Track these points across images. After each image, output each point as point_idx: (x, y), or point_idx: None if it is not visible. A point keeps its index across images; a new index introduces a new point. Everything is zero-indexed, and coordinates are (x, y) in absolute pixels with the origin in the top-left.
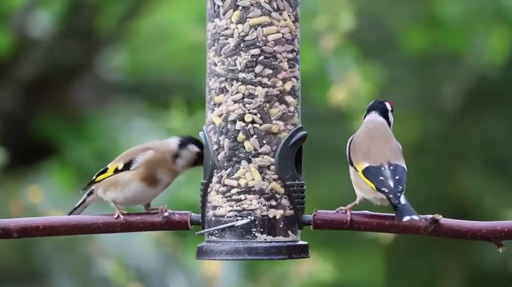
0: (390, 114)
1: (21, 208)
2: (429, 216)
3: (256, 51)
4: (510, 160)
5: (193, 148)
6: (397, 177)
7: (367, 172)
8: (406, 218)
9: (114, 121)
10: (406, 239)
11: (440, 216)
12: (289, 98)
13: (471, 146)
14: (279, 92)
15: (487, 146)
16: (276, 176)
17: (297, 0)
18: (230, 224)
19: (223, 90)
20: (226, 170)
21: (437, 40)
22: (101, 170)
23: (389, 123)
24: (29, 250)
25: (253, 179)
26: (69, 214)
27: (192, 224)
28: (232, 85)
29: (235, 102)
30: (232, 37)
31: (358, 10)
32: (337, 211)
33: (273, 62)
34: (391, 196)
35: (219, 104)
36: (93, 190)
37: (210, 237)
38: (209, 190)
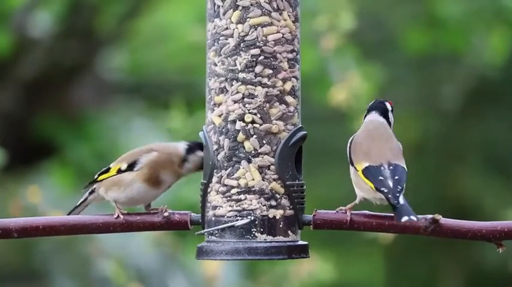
0: (390, 114)
1: (20, 208)
2: (429, 216)
3: (256, 51)
4: (510, 160)
5: (201, 153)
6: (396, 177)
7: (366, 172)
8: (404, 219)
9: (114, 121)
10: (406, 239)
11: (440, 216)
12: (289, 98)
13: (471, 146)
14: (279, 92)
15: (487, 146)
16: (276, 176)
17: (297, 0)
18: (230, 224)
19: (223, 90)
20: (226, 170)
21: (437, 40)
22: (103, 169)
23: (389, 123)
24: (29, 250)
25: (253, 179)
26: (70, 212)
27: (192, 224)
28: (232, 85)
29: (235, 102)
30: (232, 37)
31: (358, 10)
32: (337, 211)
33: (273, 62)
34: (390, 196)
35: (219, 104)
36: (94, 188)
37: (210, 237)
38: (209, 190)
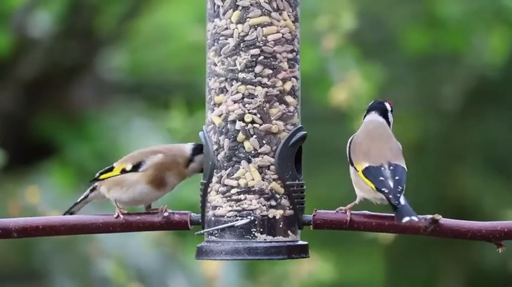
0: (390, 115)
1: (20, 208)
2: (429, 216)
3: (256, 51)
4: (510, 160)
5: None
6: (396, 177)
7: (367, 172)
8: (405, 219)
9: (114, 121)
10: (406, 239)
11: (440, 216)
12: (289, 98)
13: (471, 146)
14: (278, 92)
15: (487, 146)
16: (275, 176)
17: (297, 0)
18: (230, 224)
19: (223, 90)
20: (226, 170)
21: (437, 40)
22: (106, 168)
23: (389, 123)
24: (29, 250)
25: (253, 179)
26: (70, 209)
27: (191, 224)
28: (232, 85)
29: (235, 102)
30: (232, 37)
31: (359, 10)
32: (337, 211)
33: (273, 62)
34: (390, 196)
35: (219, 104)
36: (96, 186)
37: (209, 237)
38: (209, 189)
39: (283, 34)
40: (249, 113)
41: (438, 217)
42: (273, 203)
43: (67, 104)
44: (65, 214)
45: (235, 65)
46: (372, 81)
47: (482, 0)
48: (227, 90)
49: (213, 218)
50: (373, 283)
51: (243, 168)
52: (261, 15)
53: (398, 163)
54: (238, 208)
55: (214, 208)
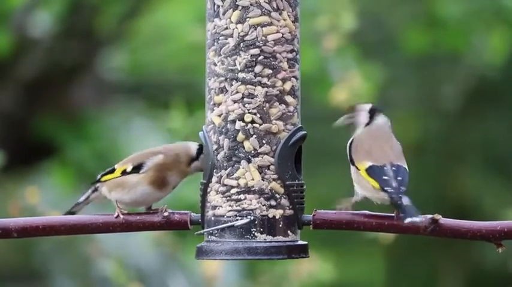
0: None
1: (19, 208)
2: (429, 216)
3: (255, 51)
4: (510, 160)
5: None
6: (399, 178)
7: (371, 171)
8: (408, 220)
9: (114, 121)
10: (406, 239)
11: (440, 216)
12: (288, 98)
13: (471, 146)
14: (278, 92)
15: (487, 146)
16: (275, 176)
17: (297, 0)
18: (230, 224)
19: (222, 90)
20: (225, 170)
21: (437, 40)
22: (108, 170)
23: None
24: (29, 250)
25: (252, 179)
26: (71, 209)
27: (191, 224)
28: (231, 85)
29: (234, 102)
30: (232, 37)
31: (359, 10)
32: (336, 208)
33: (273, 62)
34: (394, 196)
35: (219, 104)
36: (97, 187)
37: (209, 237)
38: (209, 189)
39: (283, 34)
40: (249, 113)
41: (438, 216)
42: (273, 203)
43: (67, 104)
44: (65, 214)
45: (235, 65)
46: (372, 81)
47: (482, 0)
48: (227, 90)
49: (212, 218)
50: (373, 283)
51: (243, 168)
52: (260, 15)
53: (401, 163)
54: (238, 208)
55: (214, 207)
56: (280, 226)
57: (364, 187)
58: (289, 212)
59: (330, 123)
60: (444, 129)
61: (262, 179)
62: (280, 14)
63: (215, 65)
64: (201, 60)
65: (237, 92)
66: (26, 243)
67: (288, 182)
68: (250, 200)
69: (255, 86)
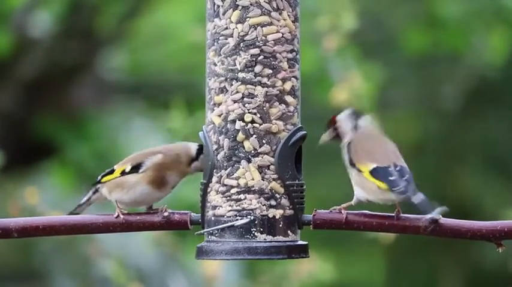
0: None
1: (19, 208)
2: (429, 216)
3: (255, 51)
4: (510, 160)
5: None
6: (404, 178)
7: (375, 173)
8: (427, 218)
9: (114, 121)
10: (406, 239)
11: (440, 216)
12: (288, 98)
13: (471, 146)
14: (278, 92)
15: (487, 146)
16: (275, 176)
17: (297, 0)
18: (230, 223)
19: (223, 90)
20: (226, 169)
21: (437, 40)
22: (108, 171)
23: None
24: (29, 250)
25: (252, 179)
26: (73, 210)
27: (191, 224)
28: (231, 85)
29: (234, 102)
30: (232, 37)
31: (359, 10)
32: (331, 211)
33: (273, 62)
34: (408, 193)
35: (219, 104)
36: (98, 188)
37: (209, 237)
38: (209, 189)
39: (283, 34)
40: (249, 112)
41: (438, 216)
42: (273, 202)
43: (67, 104)
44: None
45: (235, 65)
46: (372, 81)
47: (482, 0)
48: (227, 90)
49: (213, 218)
50: (373, 283)
51: (243, 168)
52: (260, 15)
53: (403, 164)
54: (238, 208)
55: (214, 207)
56: (280, 225)
57: (367, 188)
58: (289, 212)
59: None
60: (444, 129)
61: (262, 179)
62: (280, 13)
63: (215, 65)
64: (201, 60)
65: (237, 92)
66: (26, 243)
67: (288, 182)
68: (250, 200)
69: (255, 86)
